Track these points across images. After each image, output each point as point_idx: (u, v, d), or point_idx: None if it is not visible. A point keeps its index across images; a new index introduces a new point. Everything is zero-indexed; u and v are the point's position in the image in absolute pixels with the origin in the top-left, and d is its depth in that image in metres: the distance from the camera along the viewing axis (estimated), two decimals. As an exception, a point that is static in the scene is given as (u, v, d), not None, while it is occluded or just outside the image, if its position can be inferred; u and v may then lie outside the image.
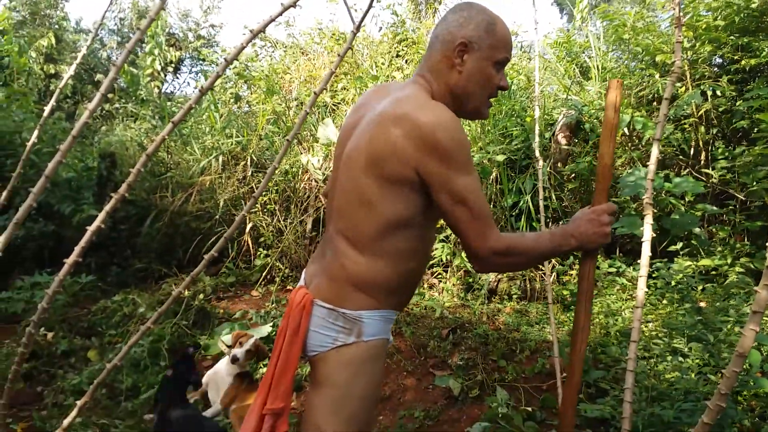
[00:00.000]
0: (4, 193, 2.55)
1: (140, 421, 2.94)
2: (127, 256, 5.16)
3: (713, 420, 1.58)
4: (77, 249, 2.09)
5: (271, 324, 3.79)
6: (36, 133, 3.27)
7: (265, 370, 3.00)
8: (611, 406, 2.44)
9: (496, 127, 5.35)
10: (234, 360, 2.94)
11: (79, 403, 2.04)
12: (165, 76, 11.34)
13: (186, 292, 4.24)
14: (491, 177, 5.07)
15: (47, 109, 3.29)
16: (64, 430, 2.03)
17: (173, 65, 11.90)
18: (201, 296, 4.31)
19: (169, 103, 8.14)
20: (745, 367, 2.33)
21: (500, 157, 4.80)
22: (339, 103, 6.54)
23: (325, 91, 6.68)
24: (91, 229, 2.07)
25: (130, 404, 3.04)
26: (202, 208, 5.35)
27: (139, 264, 5.09)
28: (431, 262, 4.96)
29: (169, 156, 5.92)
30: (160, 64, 9.61)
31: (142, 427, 2.86)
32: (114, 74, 1.95)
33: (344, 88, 6.59)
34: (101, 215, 2.15)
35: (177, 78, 13.49)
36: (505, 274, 4.56)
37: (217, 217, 5.30)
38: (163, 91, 10.76)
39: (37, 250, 5.19)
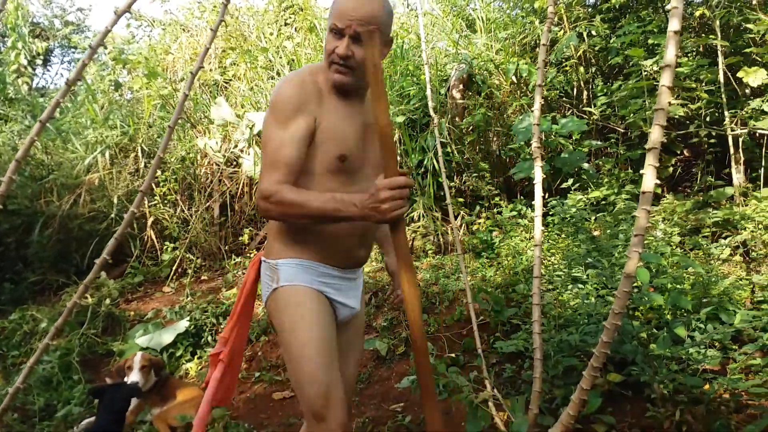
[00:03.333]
0: None
1: (60, 440, 2.77)
2: (19, 270, 4.75)
3: (611, 338, 1.73)
4: None
5: (188, 318, 3.66)
6: None
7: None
8: (523, 339, 2.60)
9: (393, 88, 5.38)
10: (136, 386, 2.79)
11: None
12: (33, 70, 10.28)
13: (90, 300, 3.99)
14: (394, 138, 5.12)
15: None
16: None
17: (41, 57, 10.80)
18: (107, 301, 4.05)
19: (41, 99, 7.43)
20: (637, 284, 2.57)
21: (400, 118, 4.84)
22: (230, 80, 6.26)
23: (213, 69, 6.37)
24: None
25: (45, 425, 2.84)
26: (94, 209, 4.99)
27: (33, 277, 4.71)
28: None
29: (49, 157, 5.43)
30: (26, 57, 8.70)
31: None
32: None
33: (234, 64, 6.31)
34: None
35: (48, 71, 12.31)
36: (418, 232, 4.67)
37: (113, 215, 4.97)
38: (33, 86, 9.77)
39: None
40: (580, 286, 2.81)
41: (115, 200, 5.01)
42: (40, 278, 4.74)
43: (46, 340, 2.19)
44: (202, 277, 4.95)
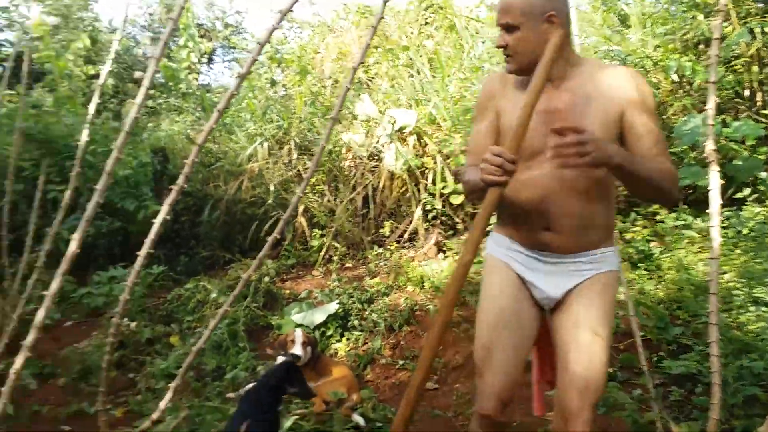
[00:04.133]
0: (67, 194, 2.69)
1: (226, 400, 3.11)
2: (192, 246, 5.36)
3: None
4: (148, 241, 2.21)
5: (337, 302, 3.90)
6: (86, 132, 3.41)
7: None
8: (696, 361, 2.43)
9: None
10: (297, 359, 3.04)
11: (172, 385, 2.18)
12: (200, 67, 11.49)
13: (253, 276, 4.40)
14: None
15: (91, 107, 3.40)
16: (161, 412, 2.18)
17: (206, 56, 12.03)
18: (266, 279, 4.45)
19: (208, 95, 8.29)
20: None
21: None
22: (372, 78, 6.52)
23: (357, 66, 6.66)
24: (157, 221, 2.18)
25: (216, 385, 3.21)
26: (254, 195, 5.49)
27: (204, 252, 5.29)
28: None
29: (217, 146, 6.06)
30: (196, 56, 9.74)
31: (229, 407, 3.02)
32: (154, 67, 2.00)
33: (377, 62, 6.56)
34: (165, 208, 2.25)
35: (210, 69, 13.64)
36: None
37: (270, 201, 5.43)
38: (199, 83, 10.92)
39: (107, 246, 5.45)
40: (764, 308, 2.56)
41: (272, 188, 5.46)
42: (210, 254, 5.31)
43: (225, 307, 2.47)
44: (347, 265, 5.23)
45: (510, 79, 1.68)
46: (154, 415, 2.12)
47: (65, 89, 8.47)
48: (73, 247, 2.01)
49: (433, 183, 5.21)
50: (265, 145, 5.77)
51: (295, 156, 5.72)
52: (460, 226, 5.37)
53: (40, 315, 1.96)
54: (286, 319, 3.99)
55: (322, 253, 5.27)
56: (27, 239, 4.15)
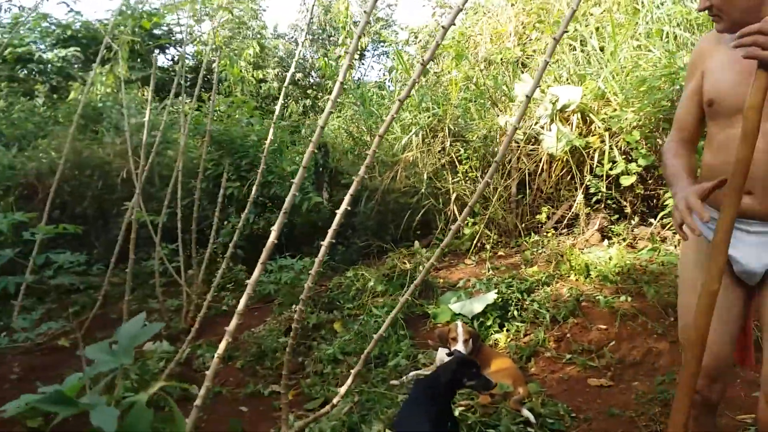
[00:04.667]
0: (252, 189, 2.91)
1: (390, 387, 3.14)
2: (349, 236, 5.57)
3: None
4: (331, 232, 2.30)
5: (495, 291, 3.74)
6: (271, 131, 3.67)
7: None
8: None
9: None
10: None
11: (353, 371, 2.22)
12: (354, 63, 11.96)
13: (407, 265, 4.43)
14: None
15: (277, 108, 3.66)
16: (341, 397, 2.24)
17: (359, 52, 12.50)
18: (421, 268, 4.44)
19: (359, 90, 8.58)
20: None
21: None
22: (531, 55, 6.16)
23: (513, 46, 6.35)
24: (340, 212, 2.26)
25: (380, 371, 3.26)
26: (408, 184, 5.52)
27: (359, 242, 5.48)
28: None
29: (371, 138, 6.21)
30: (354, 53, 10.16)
31: (395, 394, 3.05)
32: (348, 64, 2.04)
33: (537, 39, 6.18)
34: (346, 199, 2.31)
35: (362, 64, 14.13)
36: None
37: (423, 191, 5.42)
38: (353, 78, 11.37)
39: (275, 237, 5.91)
40: None
41: (425, 177, 5.45)
42: (365, 244, 5.47)
43: (406, 296, 2.47)
44: (499, 253, 5.04)
45: (724, 37, 1.56)
46: (335, 400, 2.20)
47: (240, 93, 9.35)
48: (272, 237, 2.16)
49: (599, 164, 4.76)
50: (420, 134, 5.77)
51: (448, 143, 5.63)
52: (627, 210, 4.86)
53: (242, 302, 2.13)
54: (443, 307, 3.94)
55: (474, 242, 5.14)
56: (209, 232, 4.65)
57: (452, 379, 2.31)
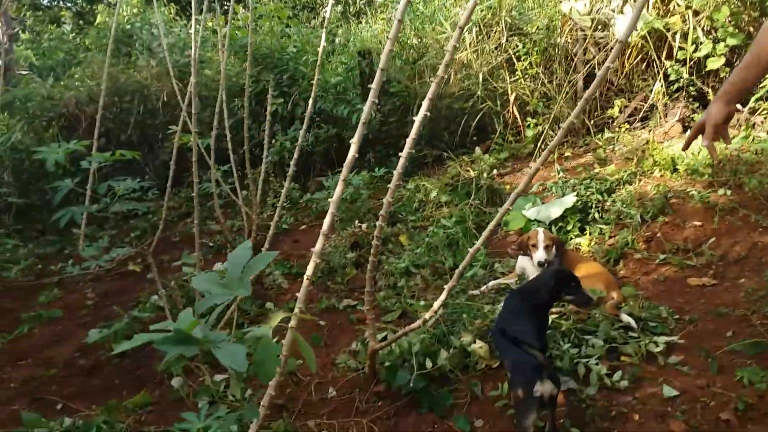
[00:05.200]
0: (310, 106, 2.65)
1: (470, 297, 3.01)
2: (402, 146, 5.31)
3: None
4: (409, 141, 2.11)
5: (574, 194, 3.49)
6: (323, 39, 3.34)
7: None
8: None
9: None
10: (542, 265, 2.77)
11: (447, 286, 2.06)
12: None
13: (471, 173, 4.19)
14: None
15: (328, 10, 3.32)
16: (434, 311, 2.10)
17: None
18: (485, 175, 4.19)
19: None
20: None
21: None
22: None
23: None
24: (418, 119, 2.04)
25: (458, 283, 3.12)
26: (462, 87, 5.15)
27: (414, 152, 5.21)
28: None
29: (419, 40, 5.76)
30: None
31: (475, 303, 2.93)
32: None
33: None
34: (425, 104, 2.06)
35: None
36: None
37: (479, 93, 5.05)
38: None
39: (324, 153, 5.71)
40: None
41: (480, 78, 5.05)
42: (420, 153, 5.22)
43: (504, 207, 2.24)
44: (566, 154, 4.73)
45: None
46: (428, 315, 2.06)
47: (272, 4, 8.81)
48: (352, 151, 1.97)
49: (681, 47, 4.26)
50: (473, 30, 5.29)
51: (504, 39, 5.16)
52: (710, 97, 4.41)
53: (327, 221, 1.95)
54: (514, 214, 3.74)
55: (537, 144, 4.81)
56: (256, 152, 4.46)
57: (551, 293, 2.16)
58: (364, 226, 3.98)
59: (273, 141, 5.51)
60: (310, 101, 3.21)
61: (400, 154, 2.17)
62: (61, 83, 6.98)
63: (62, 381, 2.82)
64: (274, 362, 1.12)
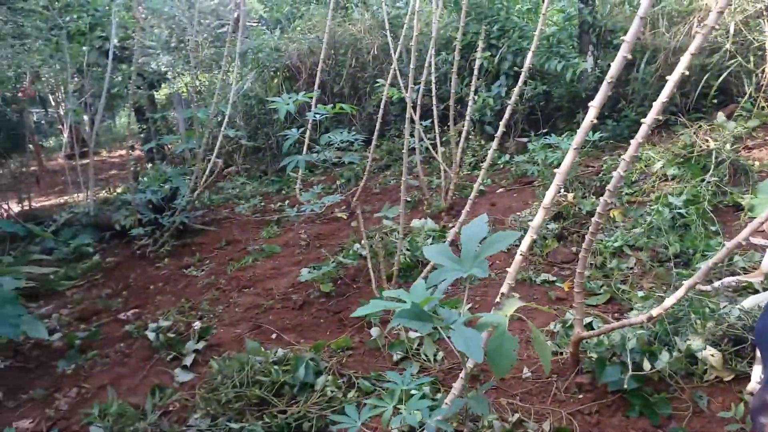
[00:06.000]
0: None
1: (700, 293, 2.58)
2: (621, 108, 4.75)
3: None
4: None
5: None
6: None
7: None
8: None
9: None
10: None
11: (687, 283, 1.75)
12: None
13: (710, 143, 3.55)
14: None
15: None
16: (664, 310, 1.81)
17: None
18: (727, 146, 3.52)
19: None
20: None
21: None
22: None
23: None
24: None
25: (683, 272, 2.71)
26: (708, 39, 4.33)
27: (633, 115, 4.62)
28: None
29: (653, -17, 4.98)
30: None
31: (703, 298, 2.50)
32: None
33: None
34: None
35: None
36: None
37: (727, 47, 4.22)
38: None
39: (527, 111, 5.37)
40: None
41: (731, 29, 4.20)
42: (640, 117, 4.60)
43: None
44: None
45: None
46: (655, 312, 1.79)
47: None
48: (591, 115, 1.74)
49: None
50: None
51: (768, -21, 4.20)
52: None
53: (549, 196, 1.79)
54: (761, 197, 3.09)
55: (806, 111, 3.89)
56: (459, 107, 4.31)
57: None
58: (570, 195, 3.67)
59: (476, 97, 5.35)
60: (529, 55, 2.94)
61: (642, 120, 1.86)
62: (286, 36, 7.63)
63: (278, 312, 3.15)
64: (510, 356, 1.03)
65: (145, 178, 5.26)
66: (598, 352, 2.14)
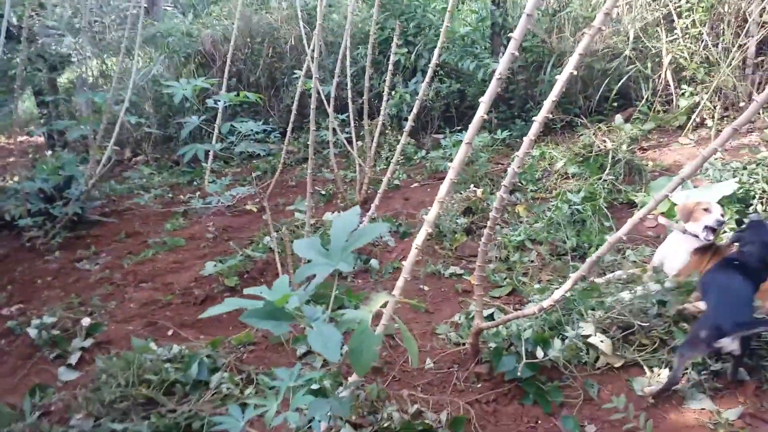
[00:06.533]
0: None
1: (591, 284, 2.71)
2: (529, 109, 4.93)
3: None
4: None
5: (736, 180, 2.98)
6: None
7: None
8: None
9: None
10: (713, 230, 2.39)
11: (574, 276, 1.81)
12: None
13: (607, 144, 3.75)
14: None
15: None
16: (555, 301, 1.87)
17: None
18: (623, 147, 3.74)
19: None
20: None
21: None
22: None
23: None
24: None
25: (578, 265, 2.83)
26: (608, 45, 4.60)
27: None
28: None
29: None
30: None
31: (598, 290, 2.63)
32: None
33: None
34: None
35: None
36: None
37: (627, 53, 4.48)
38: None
39: (443, 109, 5.46)
40: None
41: (631, 35, 4.47)
42: (548, 117, 4.80)
43: None
44: (720, 130, 4.08)
45: None
46: (546, 303, 1.84)
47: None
48: (481, 111, 1.76)
49: None
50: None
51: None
52: None
53: (443, 189, 1.78)
54: (651, 194, 3.30)
55: (692, 116, 4.20)
56: (376, 102, 4.31)
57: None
58: (479, 191, 3.75)
59: (392, 92, 5.36)
60: (436, 51, 2.96)
61: (534, 118, 1.89)
62: (200, 21, 7.30)
63: (176, 307, 2.98)
64: (371, 354, 0.99)
65: (43, 165, 4.83)
66: (496, 342, 2.18)
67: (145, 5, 7.18)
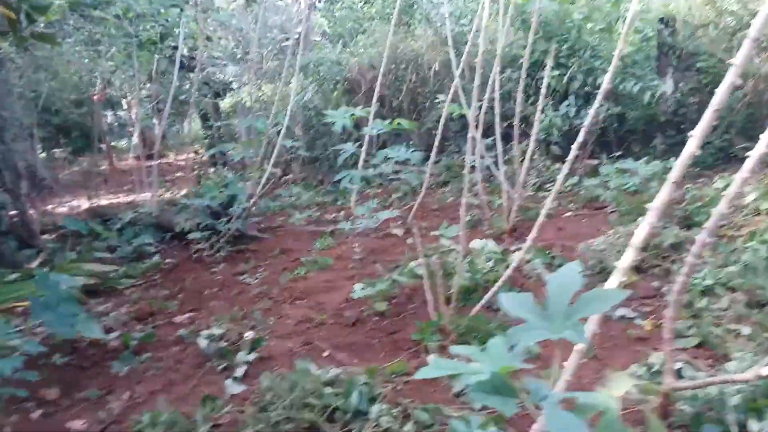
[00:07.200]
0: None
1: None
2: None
3: None
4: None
5: None
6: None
7: None
8: None
9: None
10: None
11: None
12: None
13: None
14: None
15: None
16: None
17: None
18: (832, 181, 3.17)
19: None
20: None
21: None
22: None
23: None
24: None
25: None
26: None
27: (718, 142, 4.30)
28: None
29: (743, 6, 4.66)
30: None
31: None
32: None
33: None
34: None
35: None
36: None
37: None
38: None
39: (599, 133, 5.11)
40: None
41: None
42: (725, 144, 4.28)
43: None
44: None
45: None
46: (764, 371, 1.54)
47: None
48: (693, 145, 1.55)
49: None
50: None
51: None
52: None
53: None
54: None
55: None
56: (524, 126, 4.10)
57: None
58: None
59: (542, 116, 5.13)
60: (608, 75, 2.72)
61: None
62: (347, 50, 7.64)
63: (330, 328, 3.01)
64: None
65: (209, 182, 5.31)
66: (692, 407, 1.89)
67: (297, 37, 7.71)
